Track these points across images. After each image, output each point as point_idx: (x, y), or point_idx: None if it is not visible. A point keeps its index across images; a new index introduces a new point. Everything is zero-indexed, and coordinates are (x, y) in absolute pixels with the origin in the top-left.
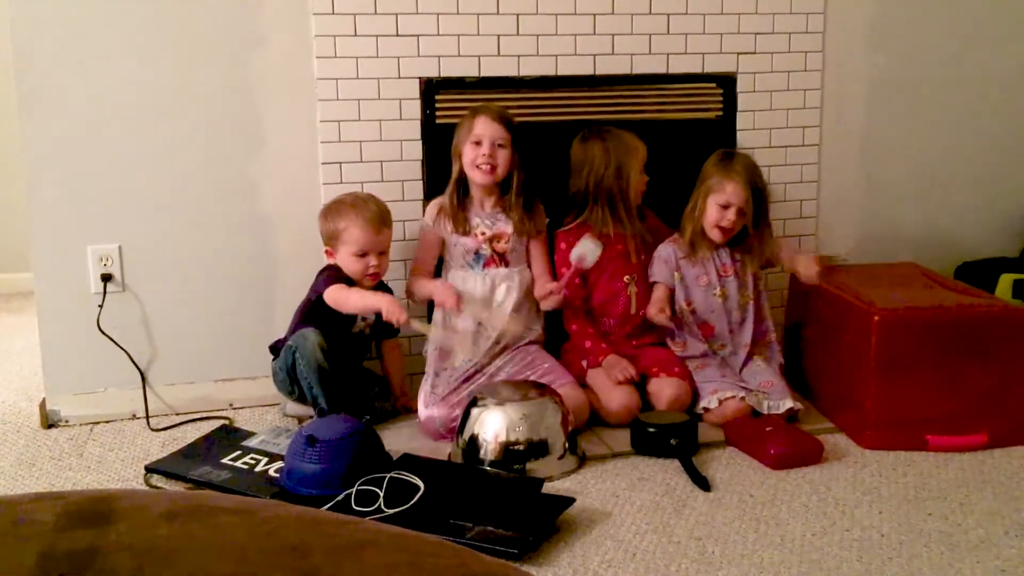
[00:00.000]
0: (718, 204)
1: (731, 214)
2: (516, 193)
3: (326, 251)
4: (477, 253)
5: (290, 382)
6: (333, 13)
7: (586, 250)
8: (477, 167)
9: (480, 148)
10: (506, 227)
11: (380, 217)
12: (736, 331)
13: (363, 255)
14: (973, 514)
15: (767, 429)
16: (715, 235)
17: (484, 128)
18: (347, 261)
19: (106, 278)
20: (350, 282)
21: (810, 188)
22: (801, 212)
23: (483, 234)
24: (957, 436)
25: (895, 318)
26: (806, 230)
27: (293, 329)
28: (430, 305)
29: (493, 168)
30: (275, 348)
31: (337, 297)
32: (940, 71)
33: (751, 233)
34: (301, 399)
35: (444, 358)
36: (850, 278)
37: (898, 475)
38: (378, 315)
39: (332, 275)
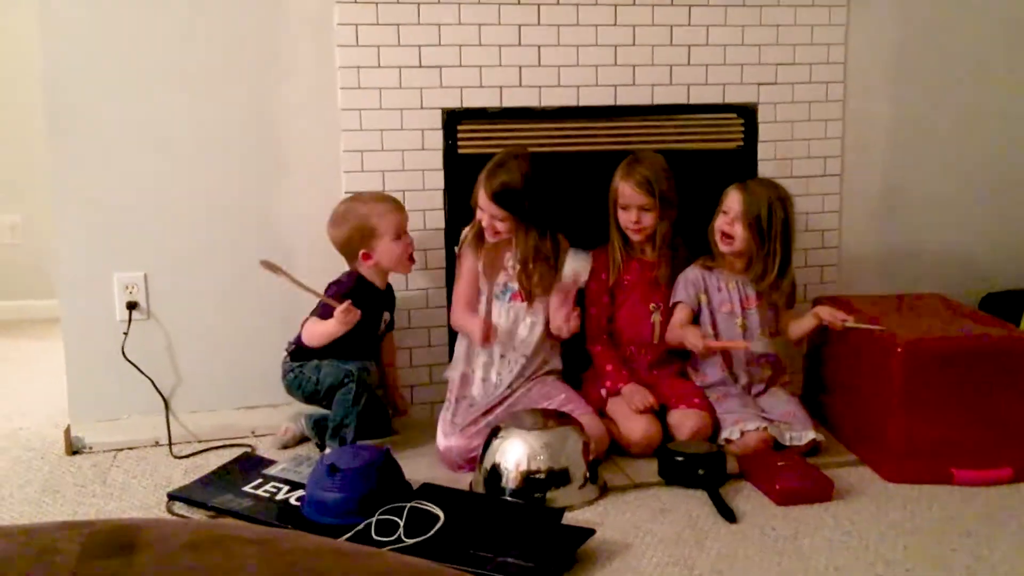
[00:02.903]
0: (721, 210)
1: (728, 219)
2: (521, 257)
3: (363, 254)
4: (505, 286)
5: (299, 388)
6: (357, 45)
7: (577, 266)
8: (484, 228)
9: (482, 213)
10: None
11: (399, 204)
12: (754, 365)
13: (399, 236)
14: (999, 549)
15: (779, 464)
16: (720, 242)
17: (483, 201)
18: (389, 249)
19: (131, 306)
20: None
21: (832, 218)
22: (823, 242)
23: (513, 268)
24: (982, 470)
25: (919, 349)
26: (828, 260)
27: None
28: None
29: (496, 233)
30: (298, 351)
31: (311, 330)
32: (962, 101)
33: (754, 254)
34: (309, 400)
35: (466, 386)
36: (873, 308)
37: (923, 509)
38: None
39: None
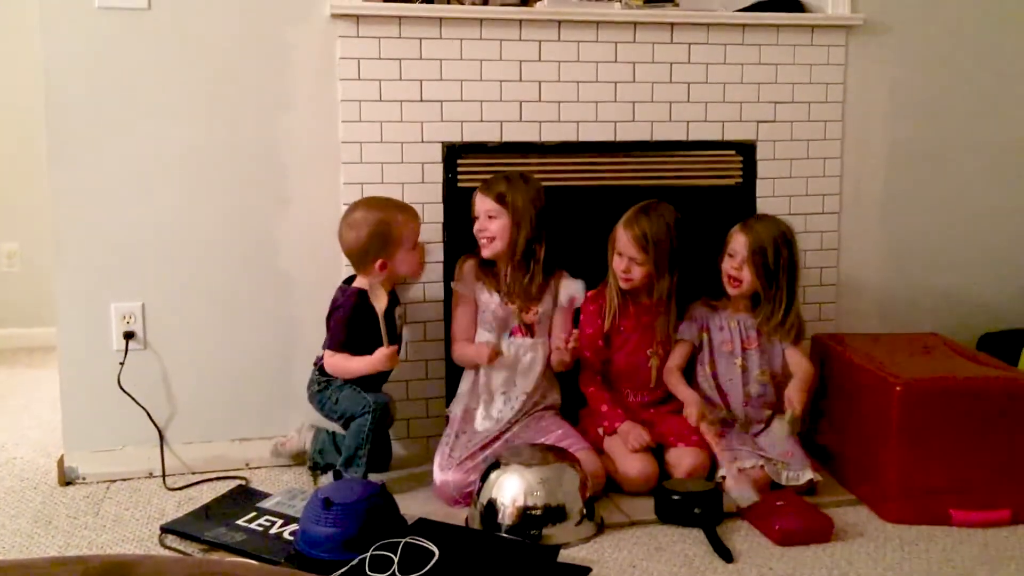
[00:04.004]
0: (727, 254)
1: (735, 263)
2: (520, 265)
3: (380, 264)
4: (505, 322)
5: (320, 403)
6: (359, 79)
7: (572, 290)
8: (479, 240)
9: (478, 222)
10: (533, 299)
11: (412, 208)
12: (752, 405)
13: (415, 246)
14: None
15: (778, 503)
16: (727, 285)
17: (478, 203)
18: (407, 259)
19: (128, 336)
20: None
21: (830, 256)
22: (821, 280)
23: (512, 303)
24: (980, 511)
25: (917, 388)
26: (826, 298)
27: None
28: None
29: (490, 240)
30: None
31: (336, 366)
32: (960, 139)
33: (761, 296)
34: (326, 416)
35: (467, 421)
36: (871, 348)
37: (920, 550)
38: (392, 304)
39: (338, 332)
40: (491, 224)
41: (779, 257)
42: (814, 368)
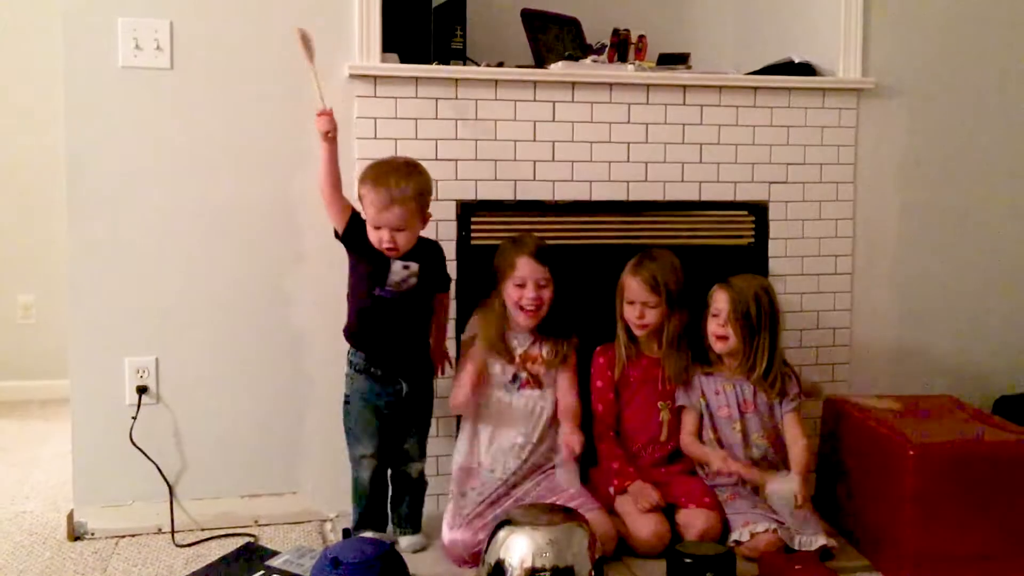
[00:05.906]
0: (711, 315)
1: (720, 321)
2: (555, 344)
3: None
4: (515, 376)
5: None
6: (375, 138)
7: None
8: (521, 308)
9: (524, 291)
10: (538, 350)
11: (389, 197)
12: (756, 467)
13: (377, 228)
14: None
15: (796, 567)
16: (715, 344)
17: (527, 268)
18: (370, 228)
19: (141, 390)
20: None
21: (843, 316)
22: (834, 340)
23: (519, 356)
24: None
25: (931, 453)
26: (839, 358)
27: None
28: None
29: (538, 308)
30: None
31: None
32: (972, 200)
33: (744, 348)
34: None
35: (468, 477)
36: (885, 409)
37: None
38: (421, 267)
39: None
40: (544, 292)
41: (760, 309)
42: (808, 440)
